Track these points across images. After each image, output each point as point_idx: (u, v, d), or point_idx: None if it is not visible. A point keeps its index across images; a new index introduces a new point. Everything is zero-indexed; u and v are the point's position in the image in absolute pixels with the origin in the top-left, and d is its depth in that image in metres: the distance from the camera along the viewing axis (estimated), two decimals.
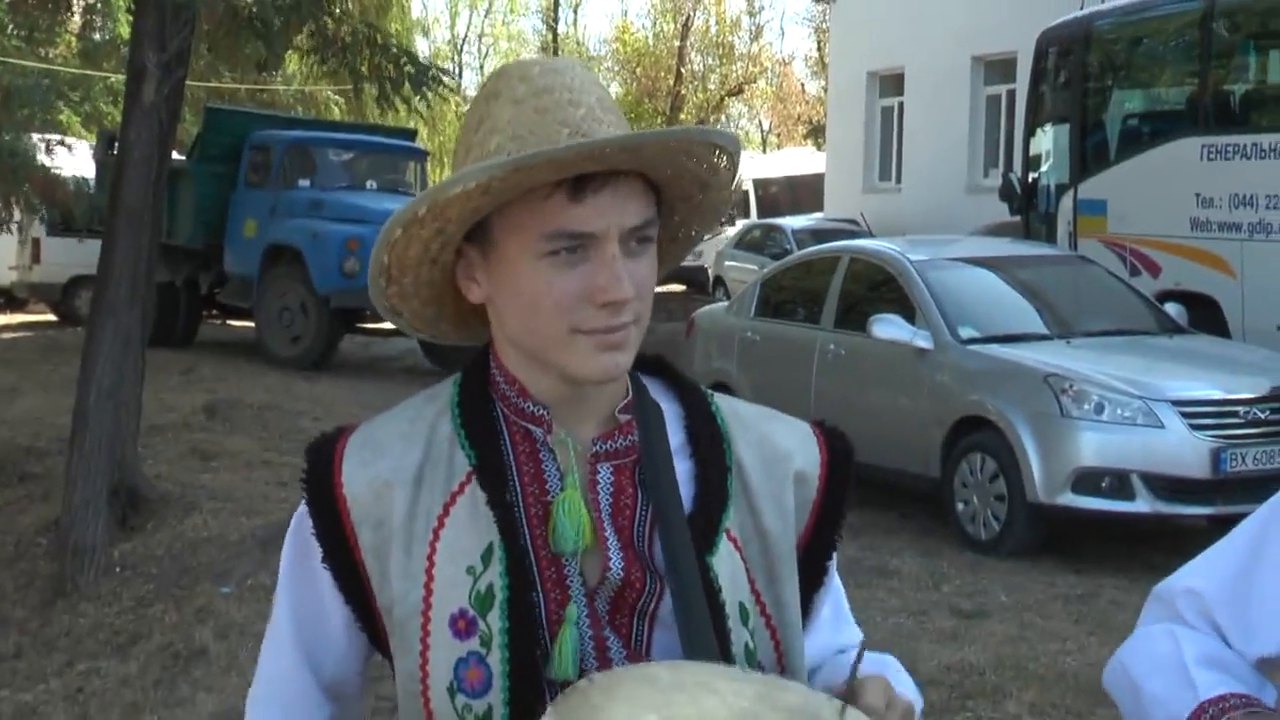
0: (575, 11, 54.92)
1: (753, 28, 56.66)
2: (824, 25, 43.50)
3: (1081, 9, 18.54)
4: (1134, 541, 10.60)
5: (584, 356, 1.88)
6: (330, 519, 1.97)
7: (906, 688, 1.98)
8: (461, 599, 1.89)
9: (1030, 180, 17.00)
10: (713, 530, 1.96)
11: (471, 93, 51.13)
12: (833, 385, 11.61)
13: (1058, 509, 10.33)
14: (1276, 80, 14.97)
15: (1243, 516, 9.09)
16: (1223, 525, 9.85)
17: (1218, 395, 10.48)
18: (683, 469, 1.99)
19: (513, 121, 1.90)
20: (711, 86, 52.70)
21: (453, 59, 53.11)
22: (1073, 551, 10.33)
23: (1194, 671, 2.15)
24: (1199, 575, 2.31)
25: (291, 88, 39.97)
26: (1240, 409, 10.41)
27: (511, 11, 55.52)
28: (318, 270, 18.79)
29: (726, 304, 15.26)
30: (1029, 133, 17.34)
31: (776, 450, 2.07)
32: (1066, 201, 16.15)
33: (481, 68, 54.52)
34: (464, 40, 54.22)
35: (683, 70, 51.94)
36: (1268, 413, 10.41)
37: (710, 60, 53.75)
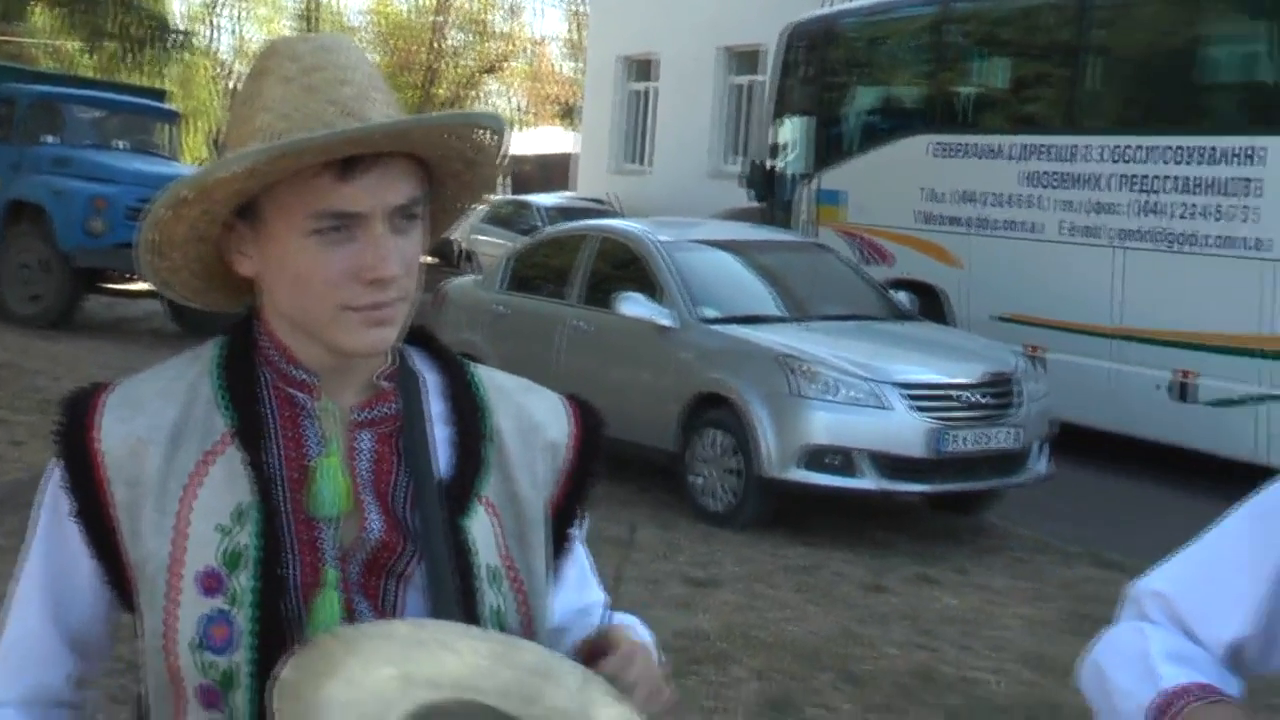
0: None
1: (510, 7, 56.40)
2: (581, 9, 43.46)
3: (828, 6, 18.88)
4: (858, 516, 10.78)
5: (352, 332, 1.87)
6: (83, 474, 1.92)
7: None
8: (210, 557, 1.86)
9: (772, 168, 17.19)
10: (468, 495, 1.96)
11: (225, 56, 50.31)
12: (578, 359, 11.62)
13: (788, 484, 10.46)
14: (1000, 85, 15.32)
15: (958, 494, 9.48)
16: (939, 502, 10.26)
17: (938, 380, 10.68)
18: (442, 436, 1.99)
19: (282, 100, 1.88)
20: (468, 63, 52.18)
21: (206, 20, 51.78)
22: (801, 525, 10.47)
23: (1158, 665, 2.14)
24: (1166, 578, 2.29)
25: (39, 40, 38.76)
26: (958, 393, 10.64)
27: None
28: (61, 228, 18.14)
29: (476, 277, 15.17)
30: (772, 123, 17.52)
31: (532, 421, 2.07)
32: (806, 190, 16.39)
33: (235, 30, 53.33)
34: (220, 3, 52.97)
35: (439, 45, 51.23)
36: (983, 397, 10.68)
37: (467, 37, 53.10)
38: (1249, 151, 12.23)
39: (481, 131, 1.94)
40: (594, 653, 1.94)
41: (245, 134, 1.87)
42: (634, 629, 2.02)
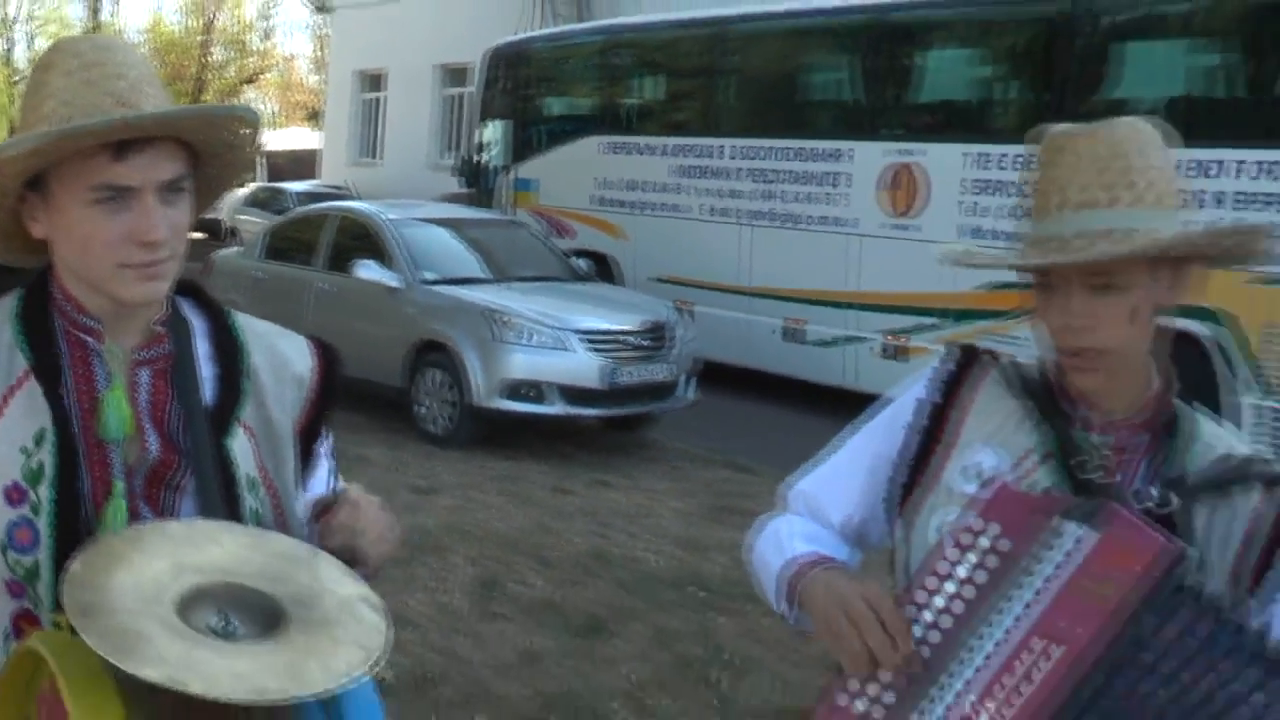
0: (116, 3, 52.15)
1: (265, 29, 55.33)
2: (323, 31, 42.50)
3: (522, 33, 18.82)
4: (548, 435, 10.85)
5: (129, 285, 1.82)
6: None
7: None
8: (14, 474, 1.80)
9: (479, 162, 17.11)
10: (229, 420, 1.93)
11: (20, 65, 48.09)
12: (323, 315, 11.41)
13: (493, 411, 10.49)
14: (655, 97, 15.45)
15: (625, 416, 9.53)
16: (611, 423, 10.32)
17: (609, 327, 10.77)
18: (208, 372, 1.95)
19: (64, 90, 1.81)
20: (230, 75, 50.87)
21: (4, 34, 49.59)
22: (503, 443, 10.49)
23: (792, 542, 2.14)
24: (806, 480, 2.27)
25: None
26: (624, 337, 10.76)
27: None
28: None
29: (239, 249, 14.83)
30: (478, 125, 17.41)
31: (283, 358, 2.04)
32: (505, 179, 16.36)
33: (29, 43, 51.02)
34: (15, 20, 50.68)
35: (206, 60, 50.02)
36: (643, 340, 10.83)
37: (229, 53, 51.93)
38: (838, 151, 12.60)
39: (237, 122, 1.89)
40: (330, 509, 1.96)
41: (33, 120, 1.82)
42: (362, 493, 2.02)
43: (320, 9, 37.69)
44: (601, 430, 11.28)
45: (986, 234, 11.30)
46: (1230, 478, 1.98)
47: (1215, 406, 9.85)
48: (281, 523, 1.96)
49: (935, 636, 1.88)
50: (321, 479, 2.09)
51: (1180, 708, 1.77)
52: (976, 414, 2.08)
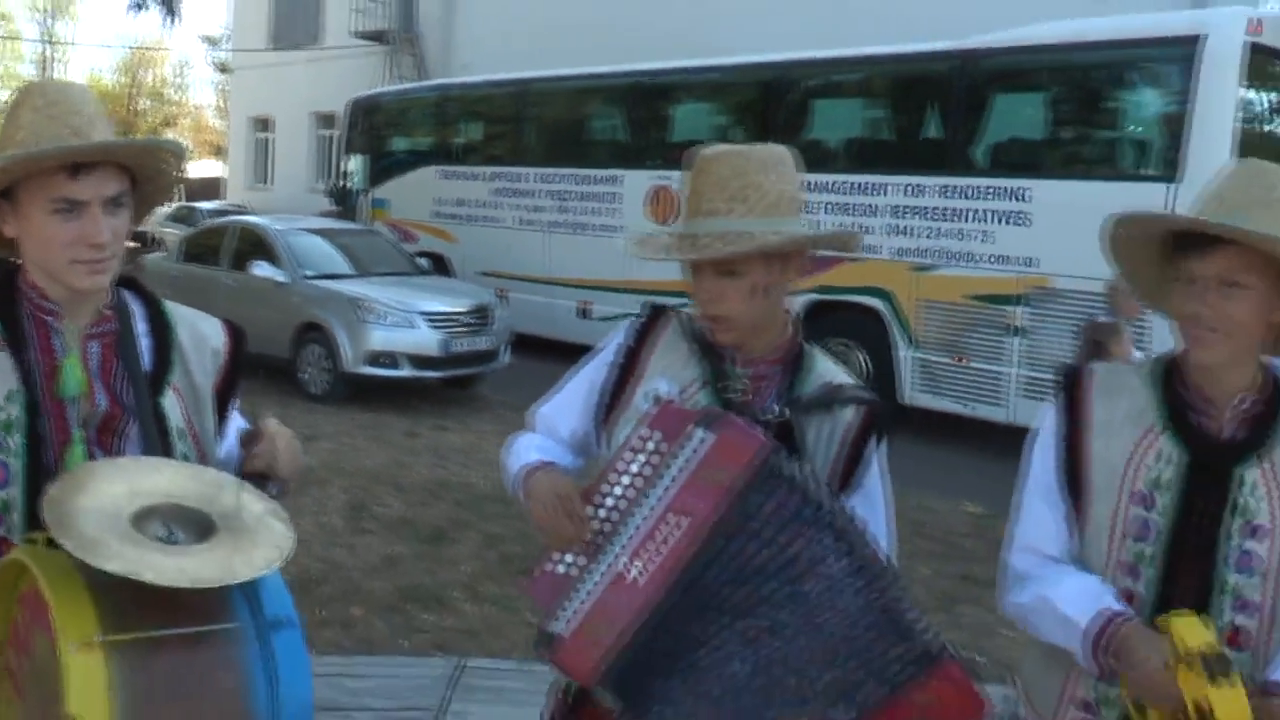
0: (63, 65, 49.49)
1: (179, 84, 53.38)
2: (225, 87, 40.96)
3: (377, 89, 18.42)
4: (401, 392, 10.68)
5: (80, 277, 1.79)
6: None
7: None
8: None
9: (345, 186, 16.69)
10: (162, 382, 1.90)
11: None
12: (228, 304, 10.89)
13: (359, 376, 10.33)
14: (477, 138, 15.22)
15: (460, 377, 9.40)
16: (449, 382, 10.21)
17: (446, 309, 10.66)
18: (145, 345, 1.92)
19: (32, 123, 1.78)
20: (152, 120, 48.99)
21: None
22: (368, 399, 10.31)
23: (526, 453, 2.10)
24: (545, 404, 2.22)
25: None
26: (457, 316, 10.66)
27: (13, 58, 49.26)
28: None
29: (163, 254, 14.27)
30: (344, 159, 16.97)
31: (202, 335, 2.00)
32: (365, 199, 16.00)
33: None
34: None
35: (133, 108, 48.17)
36: (472, 318, 10.76)
37: (152, 103, 50.06)
38: (614, 177, 12.61)
39: (165, 153, 1.87)
40: (250, 439, 1.95)
41: (7, 145, 1.78)
42: (279, 425, 1.99)
43: (223, 69, 36.43)
44: (441, 388, 11.17)
45: None
46: (831, 398, 2.03)
47: (889, 358, 10.27)
48: (203, 464, 1.92)
49: (615, 517, 1.89)
50: (234, 430, 2.06)
51: (778, 563, 1.81)
52: (659, 354, 2.08)
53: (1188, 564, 1.89)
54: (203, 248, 12.28)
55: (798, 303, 10.79)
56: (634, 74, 12.79)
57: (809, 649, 1.80)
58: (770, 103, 11.51)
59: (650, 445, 1.90)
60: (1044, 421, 2.03)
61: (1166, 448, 1.91)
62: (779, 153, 2.02)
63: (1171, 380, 1.95)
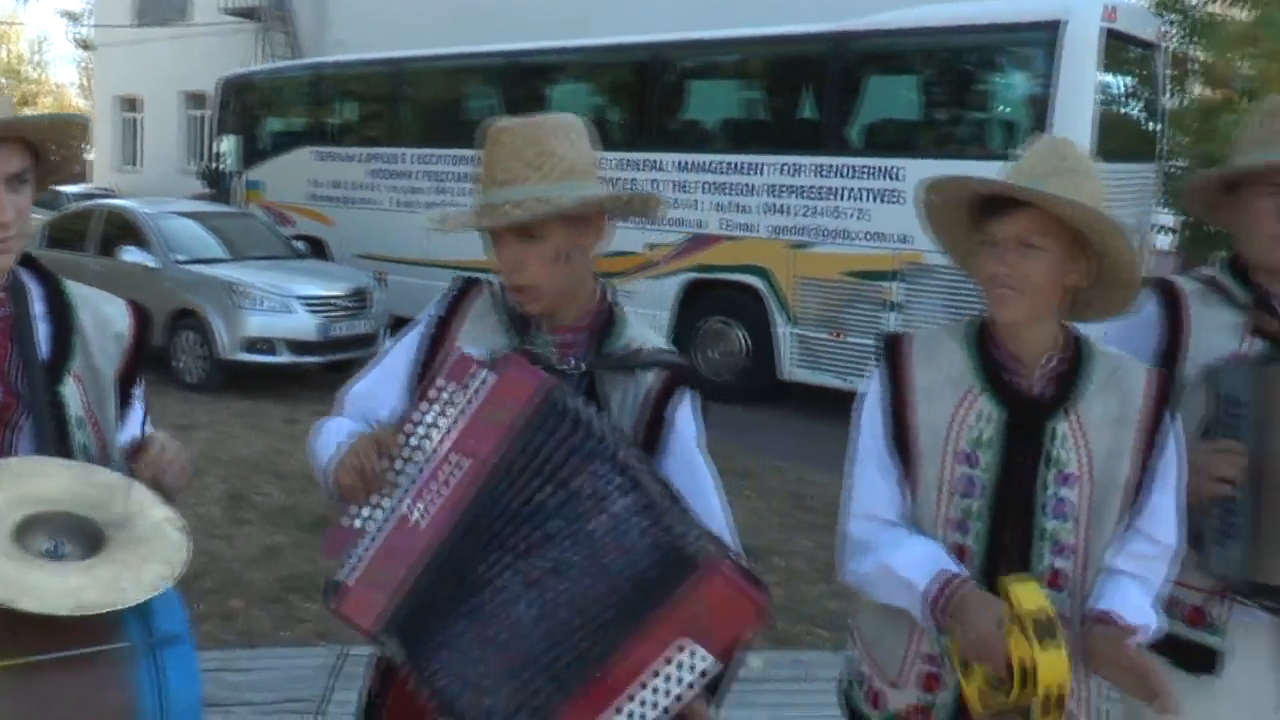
0: None
1: (38, 62, 51.02)
2: (88, 65, 39.41)
3: (249, 67, 17.97)
4: (280, 378, 10.46)
5: None
6: None
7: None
8: None
9: (218, 168, 16.24)
10: (61, 370, 1.82)
11: None
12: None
13: (236, 362, 10.11)
14: (352, 118, 14.92)
15: (340, 361, 9.26)
16: (328, 366, 10.02)
17: (323, 293, 10.50)
18: (44, 329, 1.83)
19: None
20: (11, 98, 46.79)
21: None
22: (246, 387, 10.09)
23: (336, 437, 2.01)
24: (359, 380, 2.17)
25: None
26: (335, 300, 10.51)
27: None
28: None
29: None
30: (217, 139, 16.50)
31: (105, 318, 1.93)
32: (239, 181, 15.61)
33: None
34: None
35: None
36: (350, 302, 10.62)
37: (10, 81, 47.83)
38: None
39: (74, 128, 1.80)
40: (140, 448, 1.89)
41: None
42: (166, 437, 1.95)
43: (85, 46, 35.05)
44: (322, 373, 10.94)
45: None
46: (632, 361, 2.04)
47: (768, 335, 10.41)
48: (104, 454, 1.88)
49: (412, 469, 1.86)
50: (137, 417, 1.99)
51: (559, 499, 1.80)
52: (469, 324, 2.08)
53: (1011, 515, 2.01)
54: (68, 233, 11.86)
55: (676, 282, 10.97)
56: (510, 54, 12.70)
57: (595, 590, 1.77)
58: (647, 83, 11.54)
59: (445, 395, 1.88)
60: (868, 389, 2.12)
61: (986, 407, 2.03)
62: (571, 120, 2.05)
63: (985, 342, 2.08)
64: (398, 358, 2.12)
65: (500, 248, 1.99)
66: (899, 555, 2.02)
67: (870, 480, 2.08)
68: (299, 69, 16.64)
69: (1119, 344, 2.33)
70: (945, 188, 2.06)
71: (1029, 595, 1.87)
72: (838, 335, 9.98)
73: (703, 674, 1.72)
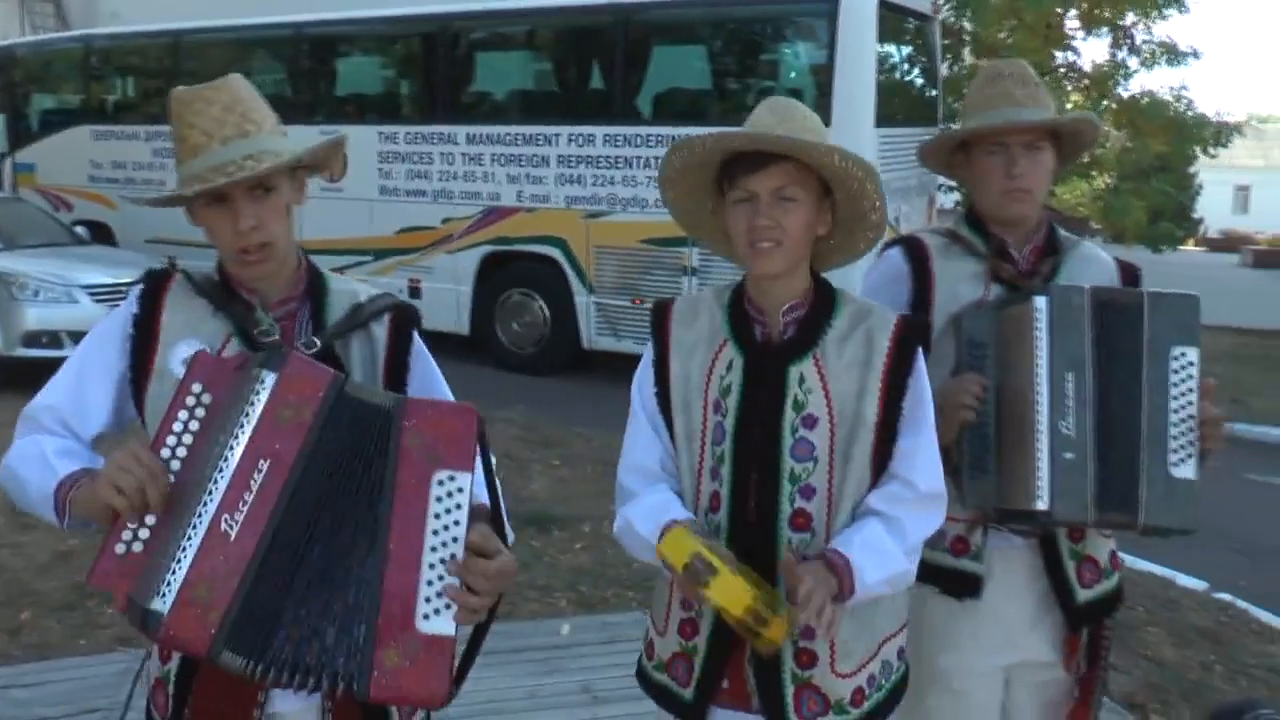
0: None
1: None
2: None
3: (6, 40, 16.90)
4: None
5: None
6: None
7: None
8: None
9: None
10: None
11: None
12: None
13: (16, 359, 9.50)
14: (132, 94, 14.21)
15: None
16: None
17: (109, 281, 9.99)
18: None
19: None
20: None
21: None
22: (31, 385, 9.34)
23: (54, 460, 1.92)
24: (52, 394, 2.03)
25: None
26: (123, 287, 9.67)
27: None
28: None
29: None
30: None
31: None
32: (7, 164, 14.73)
33: None
34: None
35: None
36: None
37: None
38: (280, 134, 12.15)
39: None
40: None
41: None
42: None
43: None
44: None
45: (390, 191, 11.39)
46: (360, 318, 2.08)
47: (570, 304, 10.53)
48: None
49: (184, 479, 1.80)
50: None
51: (360, 474, 1.81)
52: (174, 316, 2.01)
53: (756, 459, 2.08)
54: None
55: (474, 255, 10.94)
56: (295, 25, 12.34)
57: (350, 497, 1.83)
58: (436, 55, 11.43)
59: (196, 399, 1.83)
60: (645, 354, 2.24)
61: (730, 355, 2.13)
62: (246, 81, 2.04)
63: (740, 300, 2.18)
64: (97, 367, 2.02)
65: (230, 211, 1.93)
66: (637, 509, 2.12)
67: (640, 434, 2.18)
68: (69, 41, 15.66)
69: (873, 298, 2.44)
70: (697, 147, 2.08)
71: (675, 547, 1.94)
72: (637, 302, 10.17)
73: (465, 490, 1.81)
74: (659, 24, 10.50)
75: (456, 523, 1.81)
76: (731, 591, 1.89)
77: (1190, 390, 2.28)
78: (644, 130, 10.07)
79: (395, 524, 1.80)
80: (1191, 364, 2.28)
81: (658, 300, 2.25)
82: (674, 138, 9.86)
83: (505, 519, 1.94)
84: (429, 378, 2.13)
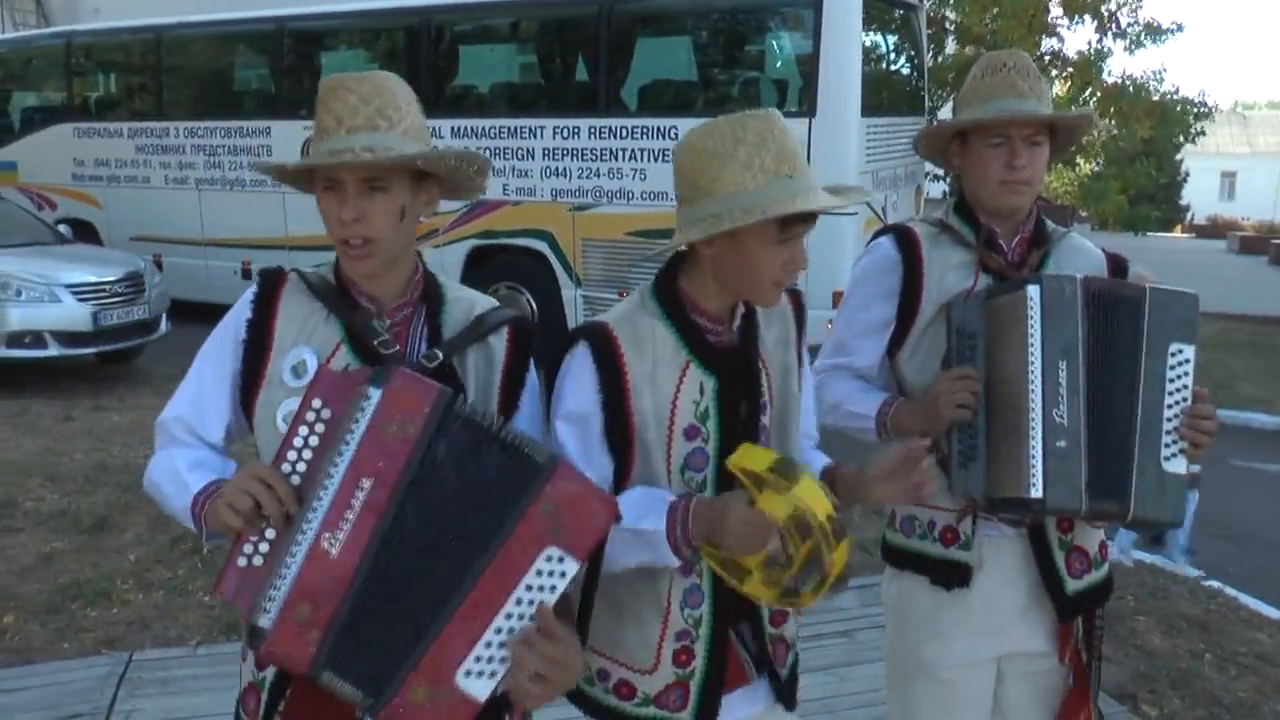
0: None
1: None
2: None
3: None
4: (52, 373, 9.93)
5: None
6: None
7: None
8: None
9: None
10: None
11: None
12: None
13: (0, 359, 9.43)
14: (115, 91, 14.13)
15: (118, 353, 8.83)
16: (104, 357, 9.55)
17: (92, 279, 9.94)
18: None
19: None
20: None
21: None
22: (13, 385, 9.50)
23: (185, 475, 1.92)
24: (178, 404, 2.02)
25: None
26: (107, 286, 9.97)
27: None
28: None
29: None
30: None
31: None
32: None
33: None
34: None
35: None
36: (124, 288, 10.11)
37: None
38: (265, 129, 12.10)
39: None
40: None
41: None
42: None
43: None
44: (97, 365, 10.48)
45: None
46: (480, 331, 2.02)
47: (558, 297, 10.49)
48: None
49: (309, 496, 1.80)
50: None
51: (463, 492, 1.77)
52: (286, 321, 1.98)
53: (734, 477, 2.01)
54: None
55: (460, 249, 10.90)
56: (278, 19, 12.26)
57: (457, 527, 1.80)
58: (420, 48, 11.36)
59: (311, 415, 1.81)
60: (575, 383, 2.04)
61: (699, 378, 2.05)
62: (401, 81, 2.00)
63: (674, 310, 2.07)
64: (214, 373, 2.01)
65: (339, 199, 1.91)
66: (630, 509, 1.97)
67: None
68: (49, 38, 15.55)
69: (864, 286, 2.51)
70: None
71: (753, 456, 1.90)
72: (624, 294, 10.10)
73: (566, 577, 1.75)
74: (643, 15, 10.45)
75: (543, 601, 1.75)
76: (816, 496, 1.85)
77: (1185, 388, 2.28)
78: (629, 122, 10.02)
79: (488, 574, 1.75)
80: (1188, 361, 2.29)
81: (589, 327, 2.07)
82: (659, 129, 10.01)
83: (585, 625, 1.91)
84: (534, 396, 2.08)
